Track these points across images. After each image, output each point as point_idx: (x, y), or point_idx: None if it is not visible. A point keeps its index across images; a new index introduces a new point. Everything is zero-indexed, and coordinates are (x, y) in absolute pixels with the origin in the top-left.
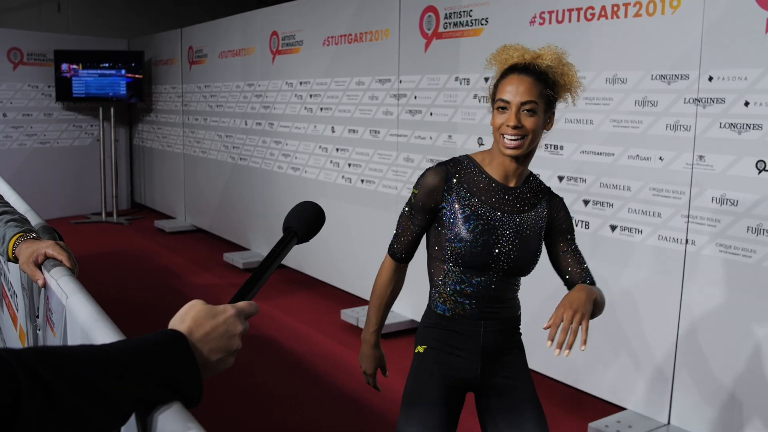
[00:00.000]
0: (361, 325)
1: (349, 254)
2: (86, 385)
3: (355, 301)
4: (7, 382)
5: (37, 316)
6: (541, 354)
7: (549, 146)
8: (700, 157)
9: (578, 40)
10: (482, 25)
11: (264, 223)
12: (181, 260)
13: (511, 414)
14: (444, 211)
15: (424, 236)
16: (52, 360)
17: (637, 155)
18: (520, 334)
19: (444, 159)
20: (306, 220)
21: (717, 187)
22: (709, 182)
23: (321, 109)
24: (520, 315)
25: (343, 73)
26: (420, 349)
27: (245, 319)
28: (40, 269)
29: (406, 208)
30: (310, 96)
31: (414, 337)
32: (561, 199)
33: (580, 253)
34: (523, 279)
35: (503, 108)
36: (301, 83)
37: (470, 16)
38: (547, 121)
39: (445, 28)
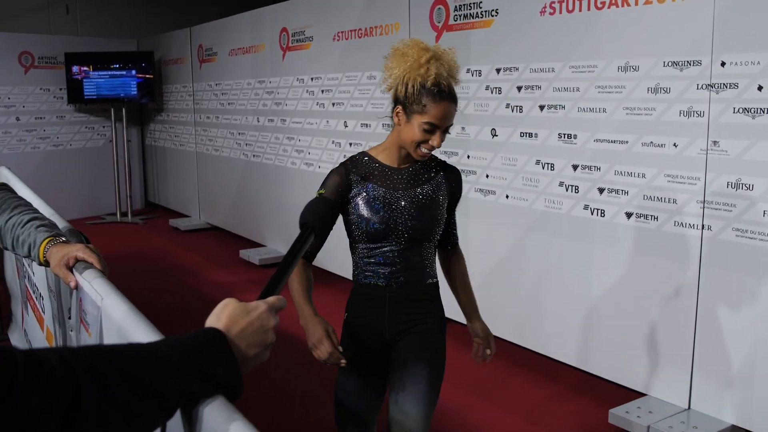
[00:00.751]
0: None
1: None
2: (139, 382)
3: None
4: (67, 379)
5: (69, 317)
6: (558, 342)
7: (563, 135)
8: (715, 142)
9: (588, 29)
10: (492, 16)
11: (279, 220)
12: (198, 258)
13: (401, 371)
14: (350, 203)
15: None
16: (107, 358)
17: (651, 142)
18: (438, 306)
19: (459, 151)
20: (321, 215)
21: (732, 172)
22: (724, 167)
23: (333, 104)
24: (432, 283)
25: (354, 68)
26: (346, 316)
27: (275, 312)
28: (71, 272)
29: None
30: (322, 91)
31: None
32: (458, 171)
33: (455, 220)
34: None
35: (431, 130)
36: (312, 79)
37: (480, 7)
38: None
39: (455, 21)
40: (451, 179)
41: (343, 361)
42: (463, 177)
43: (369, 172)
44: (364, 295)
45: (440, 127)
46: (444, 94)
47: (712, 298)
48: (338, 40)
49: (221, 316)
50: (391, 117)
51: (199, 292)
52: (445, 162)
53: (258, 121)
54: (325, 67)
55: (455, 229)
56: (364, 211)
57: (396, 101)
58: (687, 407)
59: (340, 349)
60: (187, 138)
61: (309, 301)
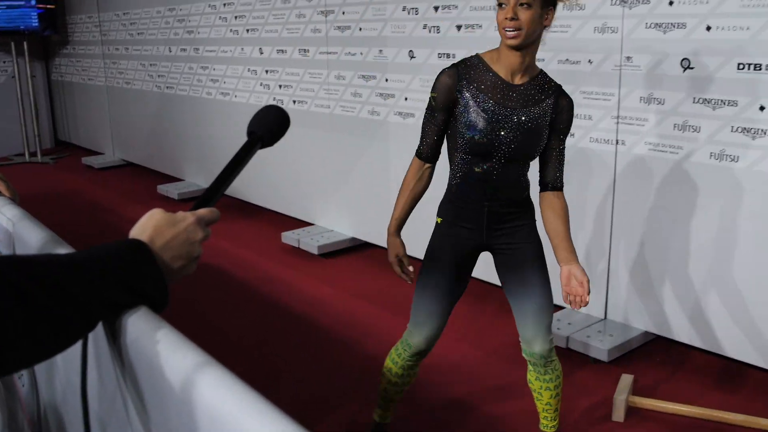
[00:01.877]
0: (303, 246)
1: (286, 177)
2: (60, 290)
3: (296, 223)
4: None
5: None
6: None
7: None
8: (628, 58)
9: None
10: None
11: (197, 152)
12: (114, 195)
13: (516, 272)
14: (458, 106)
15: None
16: (26, 267)
17: (567, 59)
18: (529, 210)
19: (377, 75)
20: (270, 124)
21: (644, 87)
22: (637, 83)
23: (247, 30)
24: (527, 195)
25: None
26: (438, 220)
27: (206, 225)
28: None
29: (428, 112)
30: (235, 18)
31: (357, 254)
32: (570, 101)
33: (563, 156)
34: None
35: (501, 4)
36: (225, 5)
37: None
38: (545, 17)
39: None
40: (559, 107)
41: (408, 281)
42: (382, 101)
43: (481, 81)
44: (460, 203)
45: (508, 1)
46: None
47: (626, 211)
48: None
49: (146, 227)
50: None
51: (116, 227)
52: (560, 87)
53: (170, 51)
54: None
55: (559, 169)
56: (471, 121)
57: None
58: (603, 317)
59: (409, 269)
60: (96, 72)
61: (400, 212)
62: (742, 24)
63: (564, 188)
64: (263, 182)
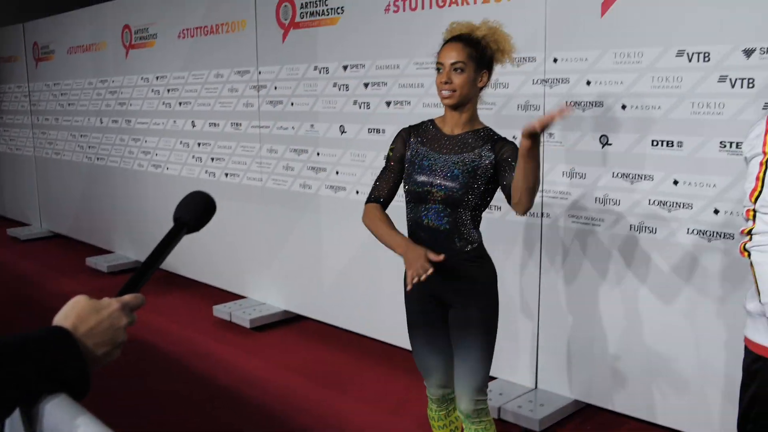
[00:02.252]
0: (235, 320)
1: (218, 249)
2: None
3: (228, 296)
4: None
5: None
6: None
7: None
8: (550, 134)
9: (432, 26)
10: (338, 14)
11: (127, 224)
12: (40, 268)
13: (460, 332)
14: (406, 160)
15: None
16: None
17: None
18: (485, 268)
19: (309, 149)
20: (196, 210)
21: (566, 161)
22: (559, 158)
23: (180, 103)
24: (478, 248)
25: (200, 66)
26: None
27: (131, 311)
28: None
29: (384, 165)
30: (168, 91)
31: (290, 326)
32: (512, 143)
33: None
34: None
35: (439, 69)
36: (157, 78)
37: (326, 5)
38: (480, 79)
39: (302, 18)
40: (498, 146)
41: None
42: (314, 174)
43: (425, 135)
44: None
45: (444, 63)
46: (452, 38)
47: (553, 281)
48: (183, 37)
49: (69, 313)
50: None
51: (42, 303)
52: (504, 138)
53: (101, 123)
54: (171, 65)
55: (508, 170)
56: (409, 169)
57: None
58: (534, 387)
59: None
60: (24, 141)
61: (391, 229)
62: (654, 103)
63: (492, 256)
64: (195, 254)
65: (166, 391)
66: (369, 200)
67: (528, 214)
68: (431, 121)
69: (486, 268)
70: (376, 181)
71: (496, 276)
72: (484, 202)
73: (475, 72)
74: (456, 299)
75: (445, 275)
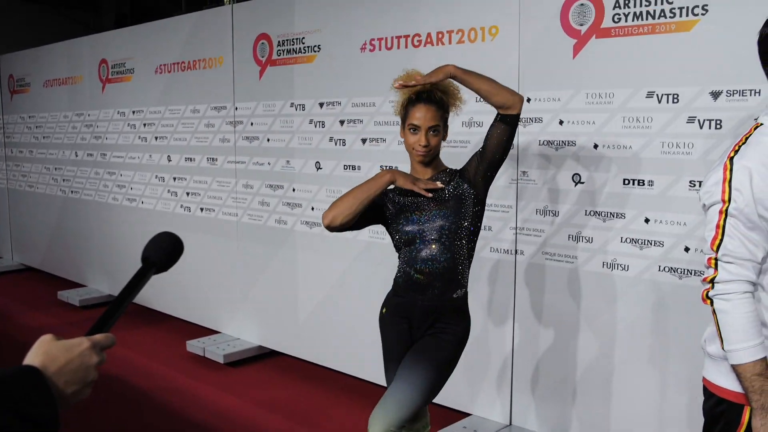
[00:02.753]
0: (209, 355)
1: (192, 283)
2: None
3: (202, 331)
4: None
5: None
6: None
7: (385, 167)
8: (524, 172)
9: (407, 65)
10: (315, 52)
11: (100, 258)
12: (10, 301)
13: (410, 354)
14: (384, 211)
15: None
16: None
17: None
18: (461, 316)
19: (284, 185)
20: (164, 250)
21: (539, 199)
22: (533, 196)
23: (156, 138)
24: (462, 293)
25: (177, 101)
26: (383, 310)
27: (101, 350)
28: None
29: None
30: (144, 125)
31: (264, 362)
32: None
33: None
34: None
35: (414, 130)
36: (134, 112)
37: (303, 43)
38: (445, 134)
39: (278, 56)
40: (462, 171)
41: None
42: (289, 210)
43: (399, 187)
44: (400, 297)
45: (420, 127)
46: (422, 97)
47: (527, 318)
48: (161, 72)
49: (38, 352)
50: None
51: (12, 337)
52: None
53: (76, 156)
54: (147, 100)
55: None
56: (395, 217)
57: (402, 121)
58: (509, 423)
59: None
60: None
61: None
62: (625, 142)
63: (468, 284)
64: (169, 289)
65: (138, 428)
66: None
67: (500, 250)
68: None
69: (464, 321)
70: None
71: (469, 331)
72: (477, 228)
73: (444, 130)
74: (427, 331)
75: (425, 312)
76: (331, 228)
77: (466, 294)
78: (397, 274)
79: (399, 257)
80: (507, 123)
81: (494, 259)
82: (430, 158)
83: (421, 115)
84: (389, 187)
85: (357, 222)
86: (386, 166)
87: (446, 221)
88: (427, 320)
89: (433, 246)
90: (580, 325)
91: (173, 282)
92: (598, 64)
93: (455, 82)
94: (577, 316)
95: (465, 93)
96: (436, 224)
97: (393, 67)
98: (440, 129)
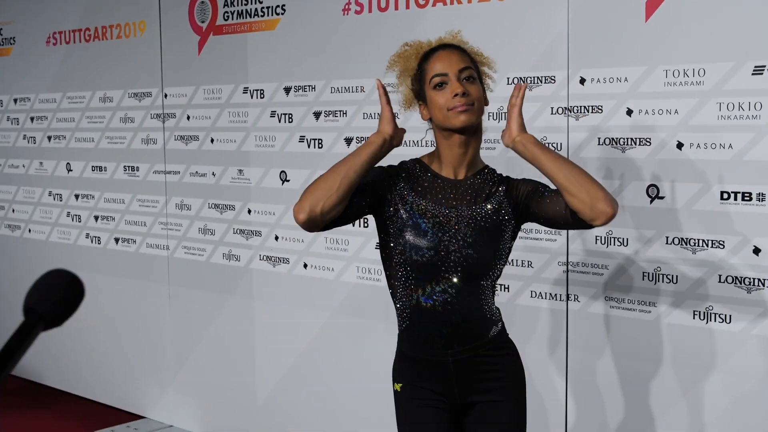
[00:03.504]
0: None
1: (102, 350)
2: None
3: (117, 416)
4: None
5: None
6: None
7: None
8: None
9: (410, 33)
10: (278, 14)
11: None
12: None
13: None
14: (389, 216)
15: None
16: None
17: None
18: (510, 353)
19: (236, 204)
20: (54, 296)
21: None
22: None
23: (49, 138)
24: (498, 329)
25: (79, 86)
26: (397, 387)
27: None
28: None
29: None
30: (32, 119)
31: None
32: (518, 179)
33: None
34: None
35: (441, 84)
36: (15, 101)
37: (260, 2)
38: (484, 95)
39: (225, 20)
40: (511, 187)
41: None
42: (243, 240)
43: (418, 183)
44: (418, 359)
45: (449, 73)
46: (442, 46)
47: (584, 390)
48: (56, 44)
49: None
50: (429, 125)
51: None
52: (509, 177)
53: None
54: (36, 83)
55: (546, 190)
56: (409, 234)
57: (418, 98)
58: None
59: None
60: None
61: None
62: (723, 140)
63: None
64: (68, 357)
65: None
66: None
67: (546, 295)
68: (417, 161)
69: (513, 355)
70: None
71: (523, 372)
72: (504, 265)
73: (481, 86)
74: (481, 398)
75: (462, 373)
76: (310, 222)
77: (503, 327)
78: (400, 323)
79: (397, 293)
80: (576, 223)
81: (537, 308)
82: (477, 119)
83: (445, 59)
84: (399, 185)
85: (345, 213)
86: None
87: (476, 252)
88: (465, 380)
89: (455, 280)
90: (662, 401)
91: (76, 347)
92: (681, 27)
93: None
94: (658, 387)
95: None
96: (462, 253)
97: (389, 36)
98: (476, 74)
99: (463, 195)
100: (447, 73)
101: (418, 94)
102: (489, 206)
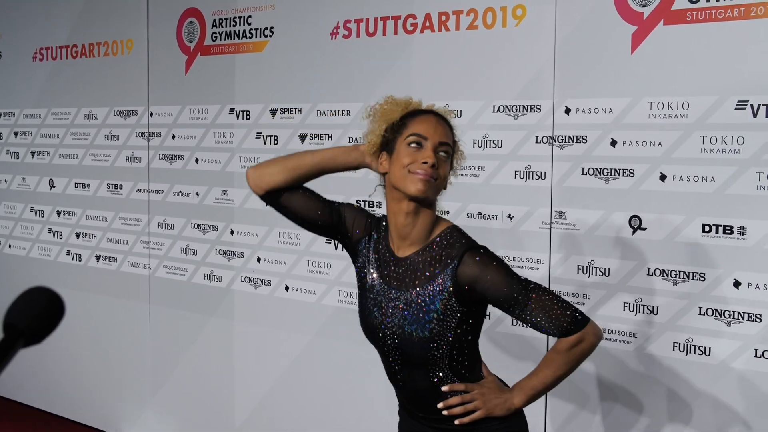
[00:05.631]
0: None
1: (78, 367)
2: None
3: None
4: None
5: None
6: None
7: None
8: (560, 213)
9: (397, 58)
10: (266, 36)
11: None
12: None
13: None
14: (357, 269)
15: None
16: None
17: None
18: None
19: (219, 224)
20: (35, 313)
21: (583, 252)
22: (574, 246)
23: (32, 153)
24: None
25: (65, 102)
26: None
27: None
28: None
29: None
30: (15, 134)
31: None
32: (477, 259)
33: (537, 311)
34: None
35: (417, 144)
36: (0, 115)
37: (249, 24)
38: (450, 174)
39: (213, 40)
40: (465, 273)
41: None
42: (225, 260)
43: (378, 248)
44: (401, 414)
45: (429, 139)
46: (435, 112)
47: (565, 423)
48: (42, 59)
49: None
50: (381, 180)
51: None
52: (465, 248)
53: None
54: (20, 98)
55: (539, 326)
56: (360, 300)
57: (383, 148)
58: None
59: None
60: None
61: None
62: (705, 173)
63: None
64: (44, 375)
65: None
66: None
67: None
68: (384, 221)
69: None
70: None
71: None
72: (466, 344)
73: (451, 166)
74: None
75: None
76: (255, 186)
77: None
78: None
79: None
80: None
81: (519, 336)
82: (433, 195)
83: (430, 125)
84: (372, 238)
85: (290, 199)
86: (364, 202)
87: (409, 336)
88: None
89: (399, 363)
90: (642, 431)
91: (51, 363)
92: (664, 60)
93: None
94: (638, 418)
95: (468, 100)
96: (398, 333)
97: (377, 60)
98: (450, 154)
99: (404, 275)
100: (428, 138)
101: (386, 144)
102: (432, 287)
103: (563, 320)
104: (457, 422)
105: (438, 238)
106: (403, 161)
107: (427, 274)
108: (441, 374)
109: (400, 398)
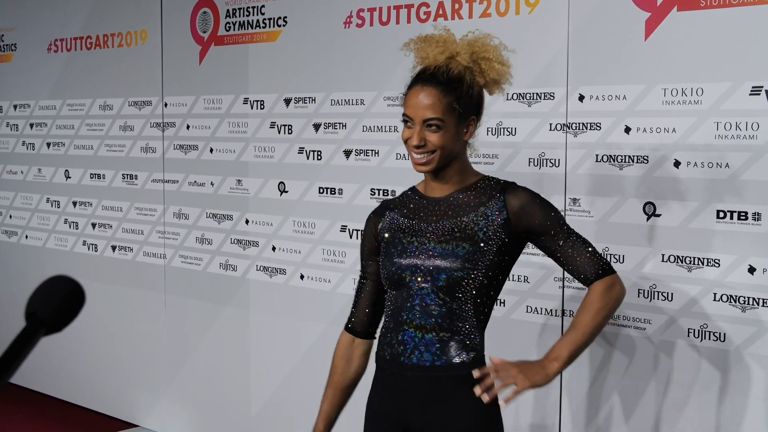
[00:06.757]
0: None
1: (97, 356)
2: None
3: (109, 425)
4: None
5: None
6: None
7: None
8: (574, 200)
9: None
10: (279, 26)
11: None
12: None
13: None
14: (381, 246)
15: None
16: None
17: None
18: (468, 400)
19: (234, 214)
20: (56, 302)
21: (598, 239)
22: (588, 233)
23: (48, 145)
24: (473, 358)
25: (79, 93)
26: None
27: None
28: None
29: (360, 272)
30: (31, 126)
31: None
32: (525, 192)
33: (575, 248)
34: None
35: (407, 122)
36: (15, 107)
37: (262, 14)
38: (464, 131)
39: (227, 30)
40: (513, 199)
41: None
42: (240, 250)
43: (404, 206)
44: (380, 376)
45: (414, 119)
46: (420, 77)
47: (580, 405)
48: (57, 51)
49: None
50: None
51: None
52: (507, 185)
53: None
54: (37, 90)
55: (574, 262)
56: (385, 250)
57: None
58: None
59: None
60: None
61: (326, 411)
62: (719, 159)
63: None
64: (60, 365)
65: None
66: (347, 327)
67: (542, 311)
68: (411, 188)
69: (472, 406)
70: (357, 291)
71: (498, 409)
72: (495, 284)
73: (457, 126)
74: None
75: (424, 399)
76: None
77: (481, 357)
78: (382, 332)
79: (386, 305)
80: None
81: (532, 323)
82: (439, 165)
83: (415, 101)
84: (385, 215)
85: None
86: (379, 191)
87: (450, 262)
88: (419, 405)
89: (426, 294)
90: (656, 418)
91: (69, 352)
92: (680, 46)
93: (493, 44)
94: (652, 404)
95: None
96: (436, 262)
97: (390, 49)
98: (445, 125)
99: (437, 210)
100: (413, 119)
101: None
102: (472, 217)
103: (599, 261)
104: (503, 402)
105: (478, 183)
106: (402, 136)
107: (472, 204)
108: (464, 310)
109: (406, 358)
